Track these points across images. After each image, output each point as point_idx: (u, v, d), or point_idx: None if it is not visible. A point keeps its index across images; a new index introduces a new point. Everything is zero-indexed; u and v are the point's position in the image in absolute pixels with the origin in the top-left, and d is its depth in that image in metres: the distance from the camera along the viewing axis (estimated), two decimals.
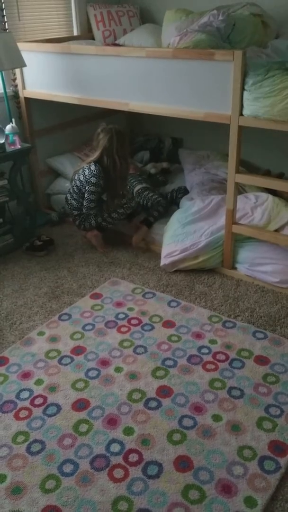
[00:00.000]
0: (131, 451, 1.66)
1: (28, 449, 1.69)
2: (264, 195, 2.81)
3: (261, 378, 1.97)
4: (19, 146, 3.03)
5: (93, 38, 3.63)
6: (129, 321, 2.37)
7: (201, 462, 1.61)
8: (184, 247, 2.67)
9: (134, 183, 3.34)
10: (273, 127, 2.23)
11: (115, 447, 1.68)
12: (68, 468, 1.61)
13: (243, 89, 2.26)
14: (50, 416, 1.82)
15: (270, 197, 2.77)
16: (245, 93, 2.26)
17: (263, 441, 1.68)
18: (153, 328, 2.31)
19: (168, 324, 2.34)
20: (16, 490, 1.54)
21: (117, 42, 3.50)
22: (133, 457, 1.64)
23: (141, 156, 4.03)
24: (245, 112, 2.30)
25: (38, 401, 1.89)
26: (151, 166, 3.75)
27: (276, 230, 2.60)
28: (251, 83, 2.22)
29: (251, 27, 2.73)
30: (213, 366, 2.04)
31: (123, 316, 2.41)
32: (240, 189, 3.01)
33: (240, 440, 1.69)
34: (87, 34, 3.67)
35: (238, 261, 2.73)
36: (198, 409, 1.83)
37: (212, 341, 2.20)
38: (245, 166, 3.33)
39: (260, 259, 2.63)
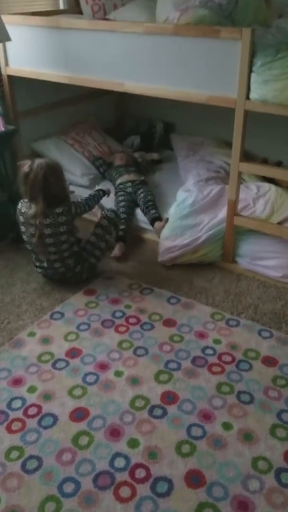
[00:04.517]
0: (137, 466, 1.53)
1: (23, 466, 1.53)
2: (266, 185, 2.68)
3: (270, 381, 1.86)
4: (2, 129, 2.80)
5: (81, 13, 3.38)
6: (127, 320, 2.21)
7: (213, 477, 1.50)
8: (184, 243, 2.52)
9: (116, 176, 3.17)
10: (282, 112, 2.08)
11: (120, 462, 1.54)
12: (69, 487, 1.47)
13: (250, 70, 2.10)
14: (46, 428, 1.66)
15: (273, 187, 2.64)
16: (252, 75, 2.10)
17: (278, 451, 1.58)
18: (153, 327, 2.17)
19: (169, 322, 2.20)
20: None
21: (107, 17, 3.27)
22: (140, 473, 1.51)
23: (131, 141, 3.83)
24: (252, 96, 2.14)
25: (32, 411, 1.73)
26: (139, 155, 3.53)
27: (280, 223, 2.48)
28: (260, 64, 2.06)
29: (254, 4, 2.55)
30: (219, 369, 1.92)
31: (120, 314, 2.25)
32: None
33: (254, 451, 1.58)
34: (74, 8, 3.42)
35: (238, 255, 2.60)
36: (206, 416, 1.70)
37: (217, 341, 2.08)
38: None
39: (262, 252, 2.51)
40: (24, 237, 2.38)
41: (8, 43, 2.88)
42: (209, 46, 2.18)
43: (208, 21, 2.37)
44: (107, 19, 3.23)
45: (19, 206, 2.35)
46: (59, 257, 2.35)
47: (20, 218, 2.34)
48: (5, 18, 2.74)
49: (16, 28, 2.78)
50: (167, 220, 2.64)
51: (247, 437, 1.63)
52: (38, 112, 3.32)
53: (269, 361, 1.96)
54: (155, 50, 2.35)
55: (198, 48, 2.21)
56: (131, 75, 2.48)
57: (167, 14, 2.66)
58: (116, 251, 2.70)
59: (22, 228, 2.36)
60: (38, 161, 2.27)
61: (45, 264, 2.39)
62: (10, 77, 3.02)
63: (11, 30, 2.73)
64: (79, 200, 2.50)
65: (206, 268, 2.63)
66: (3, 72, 3.02)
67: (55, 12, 3.29)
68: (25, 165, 2.25)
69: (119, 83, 2.53)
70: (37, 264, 2.44)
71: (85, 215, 2.74)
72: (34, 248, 2.36)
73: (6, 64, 2.98)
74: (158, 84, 2.41)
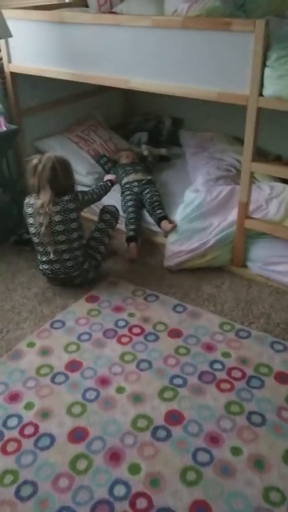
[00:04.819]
0: (138, 495, 1.42)
1: (17, 493, 1.43)
2: (280, 186, 2.53)
3: (283, 401, 1.73)
4: (5, 128, 2.70)
5: (86, 6, 3.26)
6: (130, 330, 2.10)
7: (221, 509, 1.38)
8: (191, 248, 2.39)
9: (122, 175, 3.05)
10: None
11: (120, 490, 1.43)
12: None
13: (264, 65, 1.96)
14: (42, 449, 1.56)
15: (287, 187, 2.49)
16: (266, 69, 1.96)
17: None
18: (157, 338, 2.05)
19: (175, 333, 2.08)
20: None
21: (113, 10, 3.13)
22: (141, 503, 1.40)
23: (139, 137, 3.69)
24: (265, 92, 1.99)
25: (29, 430, 1.63)
26: (145, 148, 3.39)
27: None
28: (275, 58, 1.91)
29: None
30: (228, 386, 1.80)
31: (124, 323, 2.14)
32: None
33: (265, 479, 1.46)
34: (79, 1, 3.29)
35: (249, 259, 2.46)
36: (214, 439, 1.58)
37: (226, 354, 1.95)
38: None
39: (275, 257, 2.37)
40: (32, 229, 2.30)
41: (10, 39, 2.77)
42: (220, 40, 2.03)
43: (219, 13, 2.25)
44: (114, 13, 3.10)
45: (27, 200, 2.31)
46: (69, 248, 2.27)
47: (29, 210, 2.28)
48: (7, 13, 2.63)
49: (18, 23, 2.67)
50: (175, 226, 2.50)
51: (258, 464, 1.51)
52: (42, 109, 3.22)
53: (283, 378, 1.83)
54: (163, 44, 2.21)
55: (209, 41, 2.07)
56: (137, 71, 2.35)
57: (175, 6, 2.53)
58: (132, 252, 2.59)
59: (30, 220, 2.28)
60: (47, 154, 2.29)
61: (53, 257, 2.28)
62: (12, 74, 2.91)
63: (13, 25, 2.62)
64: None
65: (214, 273, 2.49)
66: (5, 69, 2.92)
67: (59, 6, 3.17)
68: (34, 159, 2.26)
69: (124, 79, 2.40)
70: (44, 259, 2.32)
71: (87, 215, 2.64)
72: (42, 239, 2.26)
73: (9, 60, 2.88)
74: (166, 81, 2.27)
